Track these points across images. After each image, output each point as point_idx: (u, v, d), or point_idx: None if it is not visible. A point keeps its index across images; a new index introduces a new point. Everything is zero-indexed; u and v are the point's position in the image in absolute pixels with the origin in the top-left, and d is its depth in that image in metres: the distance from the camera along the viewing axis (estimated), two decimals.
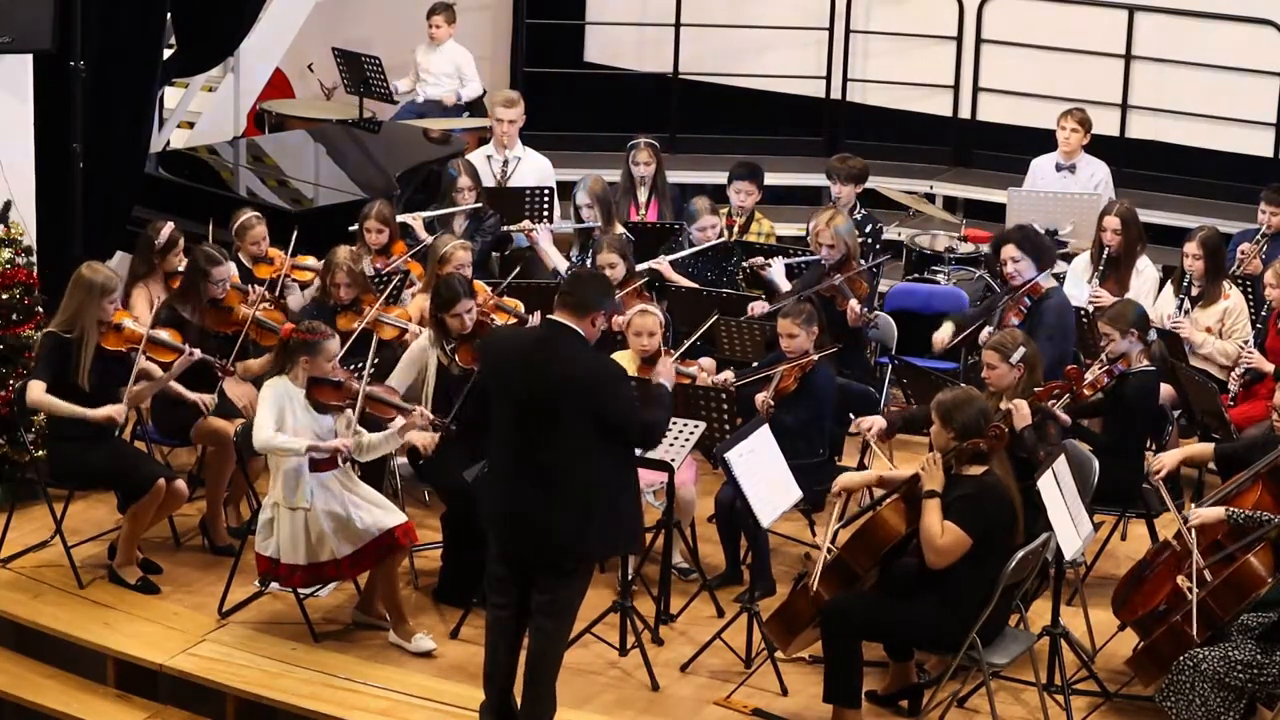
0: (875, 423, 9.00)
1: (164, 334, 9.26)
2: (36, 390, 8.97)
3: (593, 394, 7.51)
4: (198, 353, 9.23)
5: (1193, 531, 8.09)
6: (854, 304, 10.34)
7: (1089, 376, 9.12)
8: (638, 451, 8.43)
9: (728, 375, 9.58)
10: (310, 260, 10.47)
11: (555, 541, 7.57)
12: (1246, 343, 10.26)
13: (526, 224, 11.37)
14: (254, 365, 9.77)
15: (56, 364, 8.99)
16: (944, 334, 10.40)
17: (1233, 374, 10.21)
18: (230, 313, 9.78)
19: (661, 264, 10.93)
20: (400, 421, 8.69)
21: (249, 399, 9.79)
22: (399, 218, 11.05)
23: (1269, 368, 10.09)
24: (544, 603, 7.68)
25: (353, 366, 9.10)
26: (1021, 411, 8.63)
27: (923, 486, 7.91)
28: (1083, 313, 10.44)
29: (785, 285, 10.76)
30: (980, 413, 8.00)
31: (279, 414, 8.51)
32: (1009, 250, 10.18)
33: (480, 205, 11.39)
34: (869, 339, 10.77)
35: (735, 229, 11.52)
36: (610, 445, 7.59)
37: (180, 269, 9.97)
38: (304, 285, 10.35)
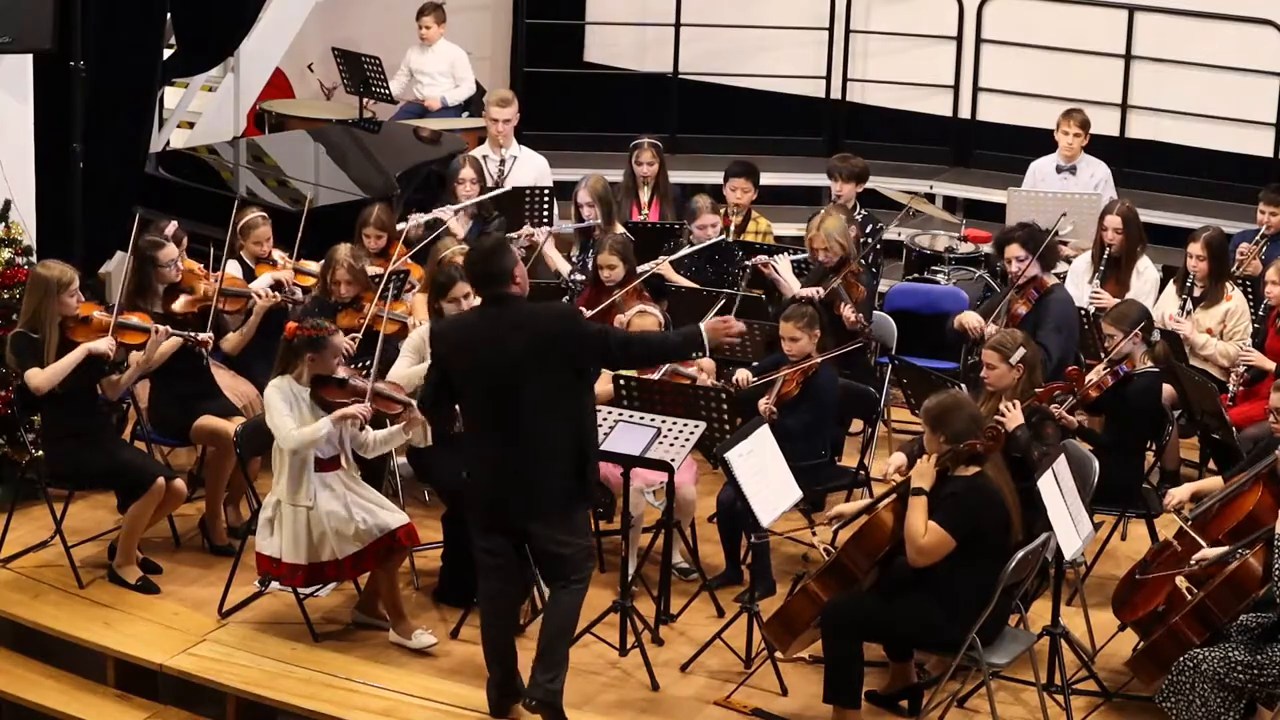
0: (894, 462, 8.72)
1: (133, 318, 9.24)
2: (36, 375, 8.96)
3: (564, 335, 7.75)
4: (167, 329, 9.22)
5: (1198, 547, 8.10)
6: (848, 310, 10.30)
7: (1093, 377, 9.11)
8: (637, 451, 8.46)
9: (746, 374, 9.58)
10: (312, 265, 10.41)
11: (554, 487, 7.73)
12: (1246, 344, 10.26)
13: (528, 229, 11.31)
14: (235, 339, 9.78)
15: (32, 361, 9.01)
16: (974, 320, 10.31)
17: (1233, 374, 10.20)
18: (192, 293, 9.73)
19: (663, 265, 10.91)
20: (402, 422, 8.70)
21: (248, 398, 9.79)
22: (402, 226, 11.01)
23: (1269, 365, 10.09)
24: (556, 564, 7.85)
25: (358, 365, 9.09)
26: (1013, 413, 8.63)
27: (911, 484, 7.92)
28: (1083, 313, 10.44)
29: (794, 282, 10.68)
30: (970, 418, 7.97)
31: (291, 412, 8.51)
32: (1013, 250, 10.19)
33: (484, 201, 11.35)
34: (871, 338, 10.75)
35: (732, 228, 11.51)
36: (584, 385, 7.86)
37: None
38: (305, 290, 10.32)
